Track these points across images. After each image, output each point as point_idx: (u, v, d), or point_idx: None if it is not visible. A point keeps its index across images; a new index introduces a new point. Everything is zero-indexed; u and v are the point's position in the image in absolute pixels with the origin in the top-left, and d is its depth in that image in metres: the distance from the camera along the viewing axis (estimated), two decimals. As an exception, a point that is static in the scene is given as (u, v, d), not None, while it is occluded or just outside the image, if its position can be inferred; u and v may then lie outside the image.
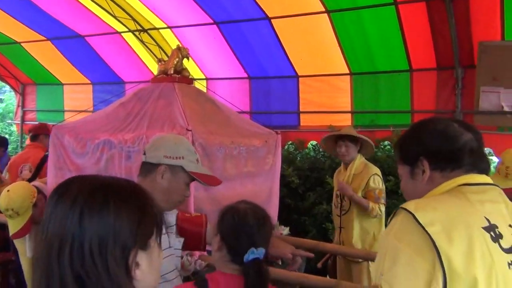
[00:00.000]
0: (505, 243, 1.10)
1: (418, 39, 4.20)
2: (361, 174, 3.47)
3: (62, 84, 6.87)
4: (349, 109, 4.96)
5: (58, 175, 2.80)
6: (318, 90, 5.09)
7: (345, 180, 3.47)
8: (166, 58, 4.70)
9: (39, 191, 2.82)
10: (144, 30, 5.43)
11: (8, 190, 2.71)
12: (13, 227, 2.68)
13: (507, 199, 1.21)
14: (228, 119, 3.21)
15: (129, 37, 5.65)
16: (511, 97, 3.80)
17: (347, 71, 4.82)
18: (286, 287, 2.41)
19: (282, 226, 3.40)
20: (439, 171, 1.25)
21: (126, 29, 5.49)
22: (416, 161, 1.28)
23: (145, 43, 5.57)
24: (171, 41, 5.43)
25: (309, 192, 5.19)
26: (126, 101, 3.08)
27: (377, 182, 3.41)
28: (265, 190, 3.31)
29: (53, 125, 2.91)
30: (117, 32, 5.60)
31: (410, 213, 1.10)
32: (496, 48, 3.83)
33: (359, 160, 3.52)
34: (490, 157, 7.12)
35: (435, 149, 1.27)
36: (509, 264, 1.08)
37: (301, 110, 5.28)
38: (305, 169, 5.26)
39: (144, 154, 1.76)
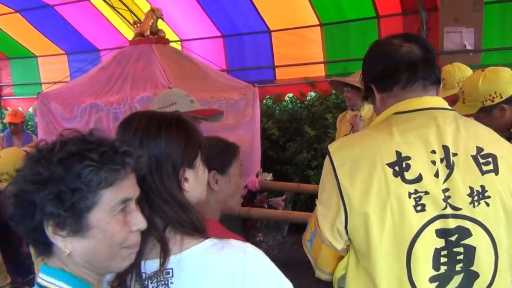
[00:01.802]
0: (410, 175, 1.14)
1: (383, -15, 4.34)
2: (372, 118, 3.72)
3: (36, 57, 6.82)
4: (322, 60, 5.12)
5: (49, 140, 2.94)
6: (291, 43, 5.21)
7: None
8: (135, 20, 4.74)
9: None
10: (114, -5, 5.42)
11: None
12: None
13: (444, 122, 1.19)
14: (206, 75, 3.36)
15: (99, 4, 5.61)
16: (472, 35, 4.00)
17: (317, 22, 4.94)
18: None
19: (266, 173, 3.63)
20: (384, 92, 1.29)
21: (95, -5, 5.47)
22: (369, 87, 1.33)
23: (116, 8, 5.56)
24: (142, 4, 5.44)
25: (290, 143, 5.42)
26: (106, 65, 3.19)
27: None
28: (247, 141, 3.51)
29: (38, 93, 3.02)
30: (86, -1, 5.57)
31: (329, 154, 1.24)
32: (456, -11, 4.00)
33: (368, 106, 3.76)
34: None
35: (375, 71, 1.29)
36: (410, 194, 1.12)
37: (275, 64, 5.41)
38: (284, 121, 5.47)
39: None
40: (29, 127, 7.09)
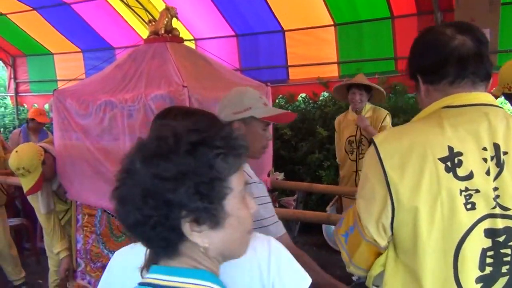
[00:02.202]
0: (462, 171, 1.12)
1: (398, -15, 4.32)
2: (373, 116, 3.79)
3: (52, 54, 6.91)
4: (335, 60, 5.12)
5: (65, 136, 2.99)
6: (304, 43, 5.22)
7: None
8: (150, 19, 4.78)
9: (46, 150, 3.03)
10: (129, -6, 5.47)
11: (16, 151, 2.93)
12: (26, 184, 2.90)
13: (496, 118, 1.16)
14: (220, 74, 3.37)
15: (115, 2, 5.68)
16: (488, 36, 3.96)
17: (331, 22, 4.94)
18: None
19: (277, 172, 3.63)
20: (430, 84, 1.25)
21: (111, -6, 5.53)
22: (415, 76, 1.29)
23: (131, 7, 5.61)
24: (157, 3, 5.49)
25: (302, 143, 5.42)
26: (121, 63, 3.21)
27: (388, 122, 3.76)
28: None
29: (54, 90, 3.07)
30: (102, -3, 5.63)
31: (375, 145, 1.21)
32: (472, -10, 3.96)
33: (368, 106, 3.84)
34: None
35: (423, 62, 1.26)
36: (461, 191, 1.11)
37: (289, 64, 5.42)
38: (296, 121, 5.47)
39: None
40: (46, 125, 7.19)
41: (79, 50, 6.68)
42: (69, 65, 6.84)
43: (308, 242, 5.06)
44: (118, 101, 2.78)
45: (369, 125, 3.71)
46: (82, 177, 2.92)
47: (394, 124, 3.88)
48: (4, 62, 7.53)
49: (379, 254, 1.25)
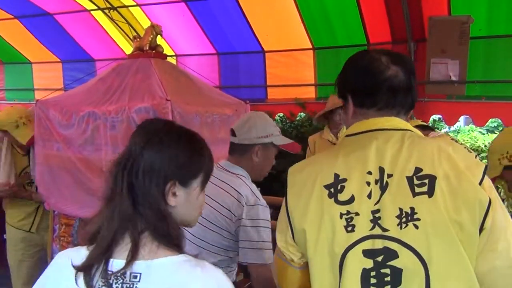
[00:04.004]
0: (344, 196, 1.17)
1: (374, 15, 4.51)
2: None
3: (31, 63, 6.88)
4: (313, 82, 5.28)
5: (46, 146, 3.02)
6: (284, 64, 5.37)
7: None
8: (134, 35, 4.86)
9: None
10: (114, 8, 5.52)
11: (7, 109, 3.02)
12: (27, 134, 3.03)
13: (386, 142, 1.20)
14: (201, 90, 3.47)
15: (99, 15, 5.73)
16: (457, 67, 4.18)
17: (310, 46, 5.11)
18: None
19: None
20: (359, 107, 1.29)
21: (96, 7, 5.57)
22: (345, 96, 1.33)
23: (115, 21, 5.68)
24: (141, 19, 5.57)
25: (278, 160, 5.52)
26: (104, 76, 3.28)
27: None
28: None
29: (37, 100, 3.10)
30: (86, 10, 5.67)
31: (287, 175, 1.32)
32: (443, 23, 4.18)
33: (344, 127, 3.97)
34: (440, 123, 7.61)
35: (356, 85, 1.29)
36: (341, 215, 1.16)
37: (268, 84, 5.56)
38: (272, 139, 5.58)
39: (234, 135, 1.96)
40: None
41: (59, 60, 6.66)
42: (47, 75, 6.81)
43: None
44: (101, 113, 2.83)
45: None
46: (62, 187, 2.95)
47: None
48: (-20, 69, 7.44)
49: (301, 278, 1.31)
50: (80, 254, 1.08)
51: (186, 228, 1.23)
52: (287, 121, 5.82)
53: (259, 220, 1.88)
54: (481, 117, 4.34)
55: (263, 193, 4.66)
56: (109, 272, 1.02)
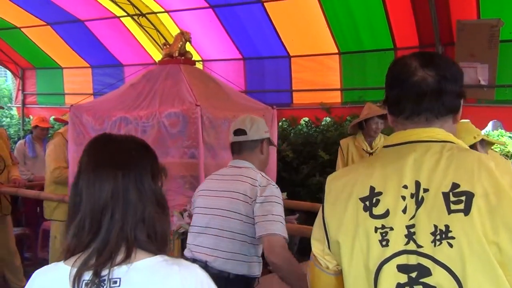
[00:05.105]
0: (379, 210, 1.16)
1: (401, 19, 4.50)
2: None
3: (62, 68, 7.08)
4: (339, 87, 5.28)
5: (79, 150, 3.09)
6: (309, 69, 5.39)
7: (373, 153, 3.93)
8: (162, 41, 4.96)
9: None
10: (143, 15, 5.65)
11: None
12: None
13: (424, 155, 1.17)
14: (228, 95, 3.52)
15: (128, 22, 5.87)
16: (486, 72, 4.13)
17: (336, 51, 5.12)
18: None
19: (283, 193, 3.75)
20: (392, 116, 1.28)
21: (125, 14, 5.71)
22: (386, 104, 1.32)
23: (144, 27, 5.80)
24: (169, 25, 5.69)
25: (303, 165, 5.53)
26: (135, 82, 3.36)
27: None
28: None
29: (71, 105, 3.20)
30: (116, 17, 5.82)
31: (326, 182, 1.32)
32: (472, 26, 4.13)
33: (380, 134, 4.00)
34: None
35: (388, 95, 1.28)
36: (376, 229, 1.15)
37: (293, 88, 5.59)
38: (298, 144, 5.59)
39: (244, 133, 2.12)
40: (49, 135, 7.31)
41: (88, 65, 6.84)
42: (77, 79, 7.00)
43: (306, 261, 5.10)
44: (132, 118, 2.91)
45: None
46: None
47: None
48: (13, 74, 7.69)
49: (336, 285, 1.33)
50: (59, 270, 1.09)
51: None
52: (312, 125, 5.82)
53: (272, 196, 2.01)
54: (511, 121, 4.27)
55: (288, 199, 4.69)
56: (87, 282, 1.03)
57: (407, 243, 1.12)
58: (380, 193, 1.18)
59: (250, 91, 5.73)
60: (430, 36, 4.47)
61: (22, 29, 6.46)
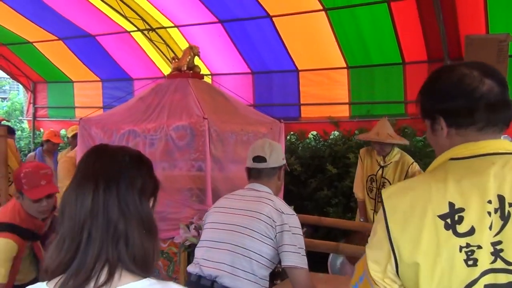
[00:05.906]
0: (463, 227, 1.09)
1: (410, 34, 4.51)
2: (399, 161, 3.96)
3: (73, 82, 7.17)
4: (347, 101, 5.29)
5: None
6: (317, 83, 5.42)
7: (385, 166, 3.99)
8: (172, 55, 5.02)
9: None
10: (153, 29, 5.73)
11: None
12: None
13: (503, 168, 1.11)
14: (236, 109, 3.54)
15: (138, 36, 5.95)
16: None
17: (344, 65, 5.14)
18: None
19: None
20: (455, 128, 1.19)
21: (135, 28, 5.79)
22: (434, 117, 1.22)
23: (154, 41, 5.87)
24: (178, 39, 5.75)
25: (311, 179, 5.52)
26: (144, 95, 3.40)
27: (417, 169, 3.91)
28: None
29: (80, 119, 3.24)
30: (126, 31, 5.90)
31: (382, 200, 1.21)
32: (481, 41, 4.12)
33: (396, 150, 4.01)
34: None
35: (448, 105, 1.18)
36: (461, 248, 1.08)
37: (301, 102, 5.61)
38: (306, 157, 5.59)
39: (264, 161, 2.16)
40: (59, 148, 7.37)
41: (99, 79, 6.92)
42: (88, 93, 7.09)
43: (312, 278, 5.05)
44: (141, 131, 2.94)
45: None
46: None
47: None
48: (25, 87, 7.80)
49: None
50: None
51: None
52: (321, 139, 5.82)
53: (296, 228, 2.04)
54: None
55: (296, 212, 4.67)
56: None
57: (494, 261, 1.07)
58: (462, 209, 1.10)
59: (258, 104, 5.75)
60: (438, 51, 4.48)
61: (34, 43, 6.57)
